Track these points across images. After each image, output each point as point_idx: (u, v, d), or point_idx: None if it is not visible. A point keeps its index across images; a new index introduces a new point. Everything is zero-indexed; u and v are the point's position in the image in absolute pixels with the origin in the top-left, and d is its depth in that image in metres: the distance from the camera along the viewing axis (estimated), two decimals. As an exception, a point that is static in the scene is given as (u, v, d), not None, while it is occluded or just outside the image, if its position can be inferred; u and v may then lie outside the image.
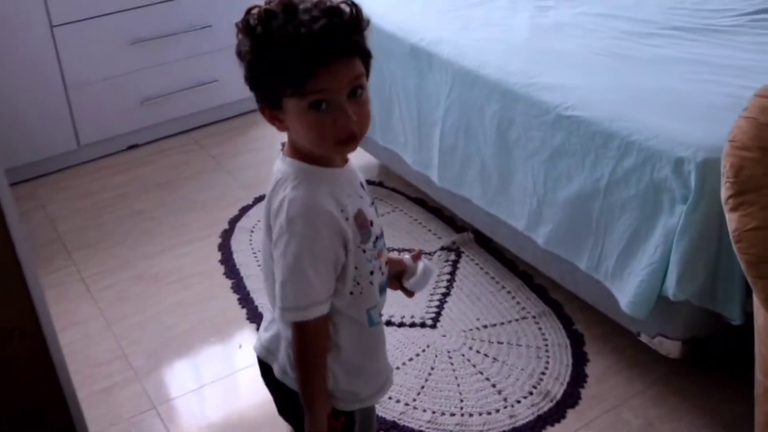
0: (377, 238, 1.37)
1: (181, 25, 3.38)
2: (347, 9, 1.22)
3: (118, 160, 3.46)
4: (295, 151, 1.30)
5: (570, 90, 2.17)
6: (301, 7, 1.19)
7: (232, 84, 3.59)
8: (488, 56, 2.42)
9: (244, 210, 3.04)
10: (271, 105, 1.26)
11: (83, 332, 2.49)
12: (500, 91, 2.30)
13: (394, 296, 1.52)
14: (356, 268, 1.33)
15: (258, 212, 3.01)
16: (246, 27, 1.22)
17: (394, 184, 3.14)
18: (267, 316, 1.47)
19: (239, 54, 1.24)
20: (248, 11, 1.23)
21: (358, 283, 1.35)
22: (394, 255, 1.53)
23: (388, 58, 2.72)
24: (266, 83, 1.24)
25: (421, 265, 1.49)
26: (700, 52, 2.35)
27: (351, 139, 1.25)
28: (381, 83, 2.79)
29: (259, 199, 3.10)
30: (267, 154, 3.45)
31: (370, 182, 3.12)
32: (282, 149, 1.35)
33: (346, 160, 1.36)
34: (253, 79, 1.24)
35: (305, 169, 1.29)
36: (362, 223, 1.32)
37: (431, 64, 2.54)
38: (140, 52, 3.32)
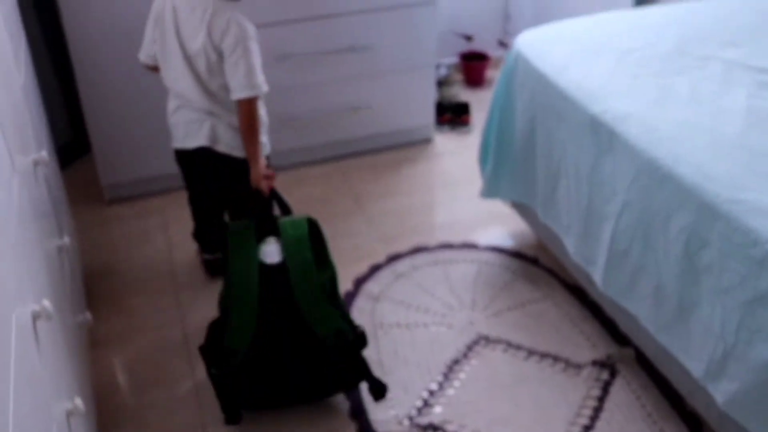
0: None
1: (337, 44, 3.04)
2: None
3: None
4: None
5: (793, 220, 1.65)
6: None
7: (387, 112, 3.25)
8: (686, 149, 1.91)
9: (374, 270, 2.67)
10: None
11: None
12: (696, 201, 1.80)
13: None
14: None
15: (388, 275, 2.64)
16: None
17: (550, 265, 2.65)
18: (193, 126, 2.27)
19: None
20: None
21: None
22: None
23: (561, 123, 2.26)
24: None
25: None
26: None
27: None
28: (549, 150, 2.34)
29: (393, 258, 2.72)
30: (415, 199, 3.07)
31: (524, 257, 2.66)
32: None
33: None
34: None
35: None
36: None
37: (612, 144, 2.07)
38: (288, 68, 3.01)
